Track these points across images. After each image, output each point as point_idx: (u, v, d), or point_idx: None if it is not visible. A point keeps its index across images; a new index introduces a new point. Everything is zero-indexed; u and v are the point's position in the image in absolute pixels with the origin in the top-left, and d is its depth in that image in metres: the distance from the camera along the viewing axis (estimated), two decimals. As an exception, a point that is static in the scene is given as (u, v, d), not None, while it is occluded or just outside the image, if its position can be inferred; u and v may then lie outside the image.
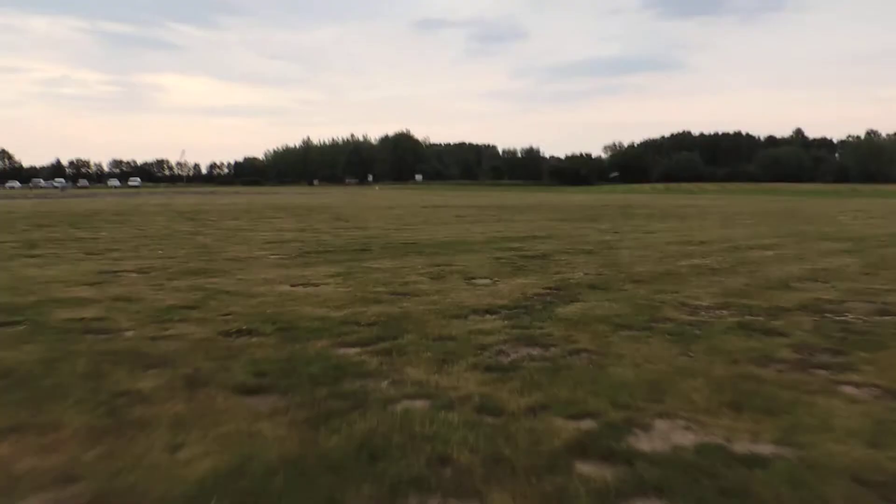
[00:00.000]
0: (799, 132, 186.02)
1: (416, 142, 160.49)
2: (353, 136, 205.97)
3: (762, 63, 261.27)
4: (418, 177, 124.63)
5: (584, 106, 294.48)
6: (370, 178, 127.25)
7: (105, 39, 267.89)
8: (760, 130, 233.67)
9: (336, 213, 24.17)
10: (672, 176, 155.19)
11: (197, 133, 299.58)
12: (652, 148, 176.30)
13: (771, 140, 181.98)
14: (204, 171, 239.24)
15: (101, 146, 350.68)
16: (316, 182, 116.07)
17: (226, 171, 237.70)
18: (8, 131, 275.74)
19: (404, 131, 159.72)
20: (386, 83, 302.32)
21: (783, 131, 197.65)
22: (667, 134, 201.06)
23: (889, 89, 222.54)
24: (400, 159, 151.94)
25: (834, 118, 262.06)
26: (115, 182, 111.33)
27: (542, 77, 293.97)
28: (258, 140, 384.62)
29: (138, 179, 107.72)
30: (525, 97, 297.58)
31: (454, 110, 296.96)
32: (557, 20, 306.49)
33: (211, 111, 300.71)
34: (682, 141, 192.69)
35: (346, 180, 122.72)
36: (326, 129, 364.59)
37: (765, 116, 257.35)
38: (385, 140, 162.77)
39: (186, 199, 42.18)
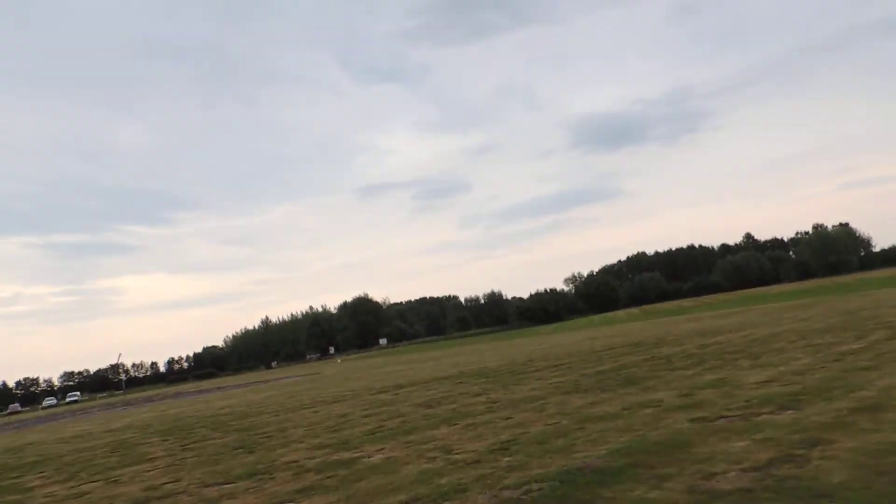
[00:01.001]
0: (749, 237, 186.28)
1: (376, 304, 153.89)
2: (311, 308, 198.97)
3: (692, 179, 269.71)
4: (382, 341, 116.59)
5: (537, 244, 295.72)
6: (332, 350, 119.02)
7: (57, 252, 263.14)
8: (712, 240, 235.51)
9: (242, 435, 16.14)
10: (639, 298, 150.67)
11: (156, 330, 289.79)
12: (611, 273, 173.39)
13: (725, 248, 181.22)
14: (162, 368, 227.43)
15: (58, 359, 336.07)
16: (274, 364, 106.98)
17: (185, 364, 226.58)
18: None
19: (363, 295, 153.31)
20: (340, 252, 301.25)
21: (734, 238, 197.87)
22: (623, 257, 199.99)
23: (806, 188, 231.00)
24: (361, 325, 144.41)
25: (773, 219, 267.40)
26: (51, 401, 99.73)
27: (491, 223, 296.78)
28: (219, 328, 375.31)
29: (77, 394, 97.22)
30: (478, 245, 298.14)
31: (410, 267, 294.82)
32: (495, 168, 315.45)
33: (169, 306, 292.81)
34: (640, 262, 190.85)
35: (308, 356, 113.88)
36: (286, 307, 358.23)
37: (712, 226, 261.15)
38: (344, 307, 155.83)
39: (75, 426, 33.50)
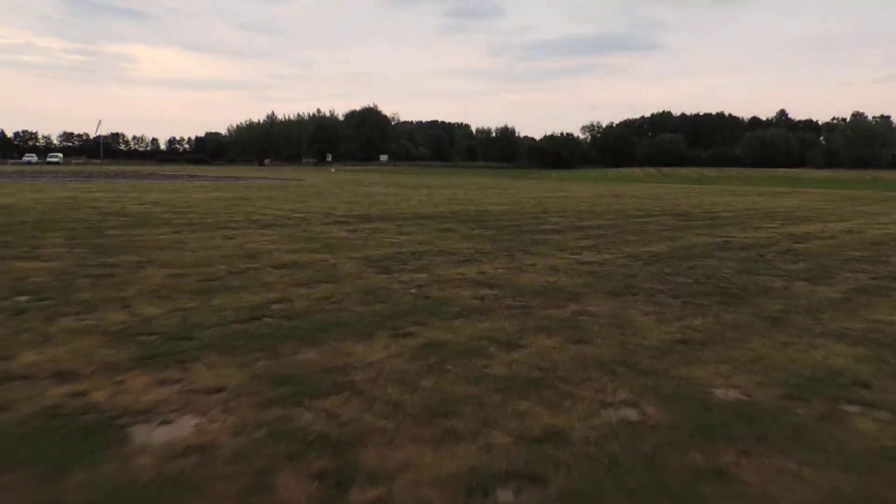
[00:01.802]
0: (783, 114, 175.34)
1: (384, 118, 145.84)
2: (319, 111, 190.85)
3: (737, 45, 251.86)
4: (383, 157, 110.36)
5: (560, 85, 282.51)
6: (329, 157, 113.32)
7: (72, 6, 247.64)
8: (742, 111, 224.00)
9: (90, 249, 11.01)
10: (655, 159, 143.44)
11: (162, 106, 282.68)
12: (631, 129, 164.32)
13: (755, 122, 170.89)
14: (163, 146, 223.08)
15: (63, 117, 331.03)
16: (267, 161, 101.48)
17: (186, 146, 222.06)
18: None
19: (372, 106, 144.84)
20: (359, 58, 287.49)
21: (766, 112, 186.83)
22: (647, 114, 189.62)
23: (851, 73, 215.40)
24: (366, 137, 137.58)
25: (810, 100, 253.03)
26: (31, 157, 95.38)
27: (518, 55, 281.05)
28: (226, 114, 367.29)
29: (59, 156, 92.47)
30: (500, 76, 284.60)
31: (428, 87, 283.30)
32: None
33: (178, 83, 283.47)
34: (662, 122, 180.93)
35: (304, 160, 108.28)
36: (296, 105, 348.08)
37: (745, 97, 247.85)
38: (351, 116, 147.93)
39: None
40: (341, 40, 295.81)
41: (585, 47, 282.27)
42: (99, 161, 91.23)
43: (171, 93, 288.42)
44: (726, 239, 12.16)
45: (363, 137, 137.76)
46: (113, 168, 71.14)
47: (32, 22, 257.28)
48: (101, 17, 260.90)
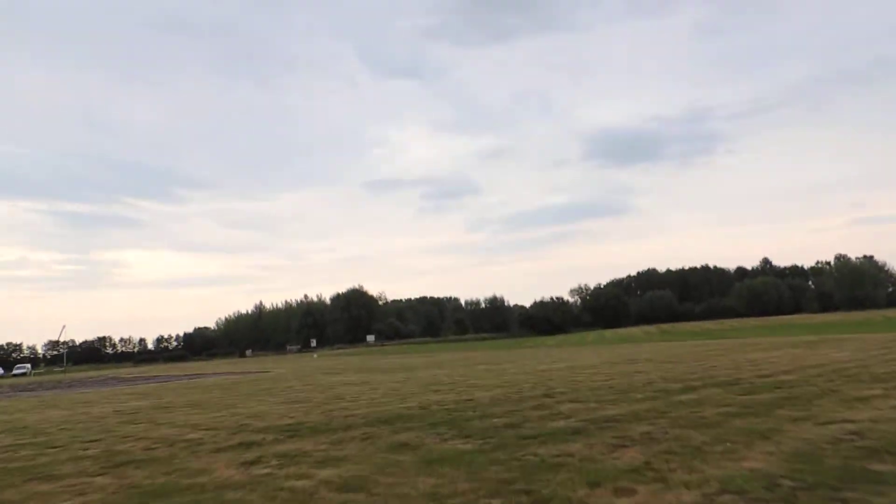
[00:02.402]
0: (767, 262, 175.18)
1: (371, 298, 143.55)
2: (306, 296, 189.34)
3: (708, 202, 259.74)
4: (370, 338, 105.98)
5: (543, 253, 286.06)
6: (313, 342, 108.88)
7: (63, 220, 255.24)
8: (727, 262, 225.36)
9: None
10: (648, 316, 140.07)
11: (153, 306, 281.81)
12: (620, 288, 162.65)
13: (742, 271, 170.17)
14: (151, 345, 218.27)
15: (57, 327, 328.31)
16: (248, 353, 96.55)
17: (174, 343, 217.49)
18: None
19: (357, 287, 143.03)
20: (345, 244, 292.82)
21: (750, 262, 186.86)
22: (633, 273, 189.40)
23: (821, 219, 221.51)
24: (353, 318, 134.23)
25: (790, 247, 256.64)
26: (25, 367, 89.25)
27: (498, 228, 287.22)
28: (217, 309, 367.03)
29: (27, 366, 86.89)
30: (483, 249, 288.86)
31: (413, 266, 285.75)
32: (506, 174, 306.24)
33: (170, 283, 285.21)
34: (650, 279, 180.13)
35: (288, 347, 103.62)
36: (288, 294, 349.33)
37: (727, 249, 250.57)
38: (336, 299, 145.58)
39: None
40: (326, 230, 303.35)
41: (562, 215, 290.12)
42: (61, 369, 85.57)
43: (162, 293, 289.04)
44: (849, 429, 7.47)
45: (350, 319, 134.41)
46: (77, 375, 65.86)
47: (27, 238, 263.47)
48: (95, 228, 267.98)
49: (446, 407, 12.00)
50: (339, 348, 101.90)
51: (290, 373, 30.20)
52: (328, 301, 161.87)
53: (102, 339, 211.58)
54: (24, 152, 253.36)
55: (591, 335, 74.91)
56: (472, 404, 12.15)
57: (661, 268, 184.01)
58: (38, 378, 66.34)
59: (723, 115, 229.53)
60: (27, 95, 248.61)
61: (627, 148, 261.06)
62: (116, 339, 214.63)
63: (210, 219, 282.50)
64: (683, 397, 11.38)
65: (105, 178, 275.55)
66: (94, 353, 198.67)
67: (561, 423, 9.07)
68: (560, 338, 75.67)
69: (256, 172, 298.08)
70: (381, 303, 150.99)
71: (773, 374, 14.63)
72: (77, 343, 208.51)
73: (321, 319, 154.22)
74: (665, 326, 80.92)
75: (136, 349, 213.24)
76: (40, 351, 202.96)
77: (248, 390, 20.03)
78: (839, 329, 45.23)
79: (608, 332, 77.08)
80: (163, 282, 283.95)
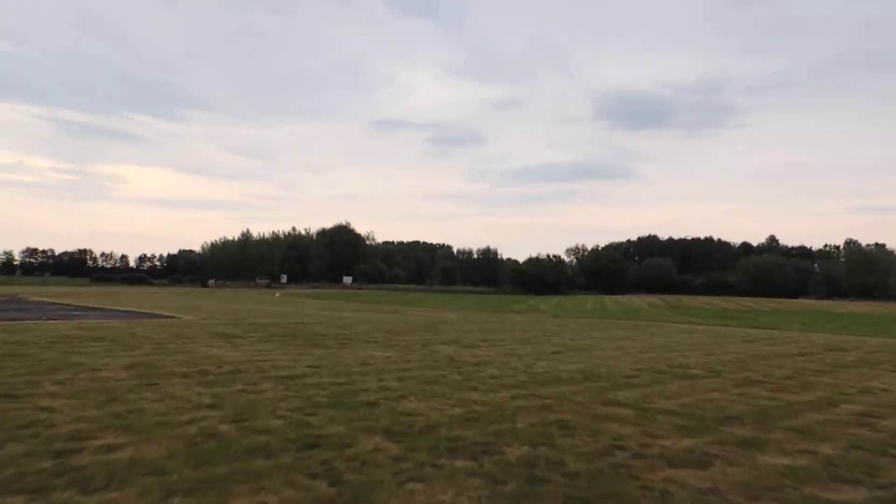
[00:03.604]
0: (773, 240, 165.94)
1: (357, 237, 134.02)
2: (294, 229, 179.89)
3: (713, 174, 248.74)
4: (347, 279, 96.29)
5: (542, 210, 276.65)
6: (283, 278, 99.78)
7: (63, 128, 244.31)
8: (732, 237, 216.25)
9: None
10: (646, 284, 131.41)
11: (146, 223, 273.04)
12: (619, 252, 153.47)
13: (746, 247, 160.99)
14: (133, 263, 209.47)
15: (46, 235, 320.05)
16: (211, 283, 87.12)
17: (157, 263, 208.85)
18: None
19: (344, 224, 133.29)
20: (344, 181, 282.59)
21: (756, 238, 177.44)
22: (633, 238, 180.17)
23: (824, 204, 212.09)
24: (336, 256, 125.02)
25: (798, 227, 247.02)
26: None
27: (500, 181, 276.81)
28: (209, 233, 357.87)
29: None
30: (482, 200, 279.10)
31: (409, 210, 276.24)
32: (513, 126, 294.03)
33: (165, 202, 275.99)
34: (650, 245, 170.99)
35: (257, 280, 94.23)
36: (280, 226, 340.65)
37: (732, 223, 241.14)
38: (322, 234, 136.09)
39: None
40: (326, 165, 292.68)
41: (565, 174, 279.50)
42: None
43: (154, 211, 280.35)
44: None
45: (333, 257, 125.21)
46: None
47: (25, 142, 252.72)
48: (94, 139, 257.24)
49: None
50: (312, 287, 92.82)
51: (199, 321, 21.12)
52: (315, 236, 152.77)
53: (83, 252, 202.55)
54: (26, 53, 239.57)
55: (591, 301, 65.70)
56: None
57: (663, 235, 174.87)
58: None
59: (738, 88, 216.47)
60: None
61: (638, 112, 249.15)
62: (98, 252, 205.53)
63: (210, 141, 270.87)
64: None
65: (108, 89, 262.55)
66: (75, 266, 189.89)
67: None
68: (554, 301, 66.56)
69: (261, 99, 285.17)
70: (368, 243, 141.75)
71: None
72: (57, 253, 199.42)
73: (305, 254, 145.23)
74: (670, 299, 71.70)
75: (117, 265, 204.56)
76: (17, 258, 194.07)
77: (50, 358, 10.81)
78: (872, 319, 36.14)
79: (608, 300, 67.89)
80: (155, 200, 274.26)
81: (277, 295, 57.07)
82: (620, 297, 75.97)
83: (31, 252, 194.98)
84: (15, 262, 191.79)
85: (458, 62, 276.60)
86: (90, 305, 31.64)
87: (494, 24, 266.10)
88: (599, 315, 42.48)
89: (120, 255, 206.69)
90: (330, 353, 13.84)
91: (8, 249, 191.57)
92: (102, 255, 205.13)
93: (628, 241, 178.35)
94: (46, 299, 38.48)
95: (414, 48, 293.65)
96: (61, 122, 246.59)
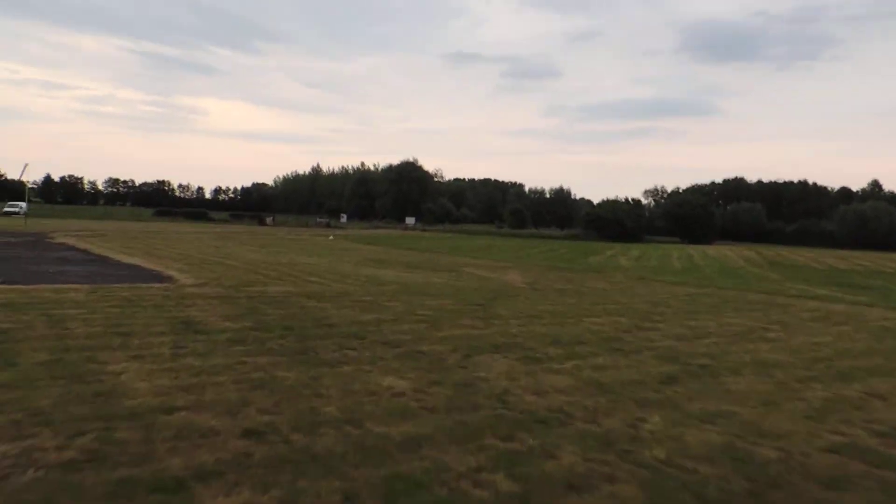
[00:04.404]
0: (876, 185, 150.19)
1: (425, 174, 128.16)
2: (363, 164, 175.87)
3: (807, 112, 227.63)
4: (409, 220, 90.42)
5: (619, 148, 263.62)
6: (343, 217, 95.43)
7: (149, 60, 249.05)
8: (829, 181, 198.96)
9: None
10: (732, 231, 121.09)
11: (222, 157, 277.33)
12: (703, 196, 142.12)
13: (845, 192, 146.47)
14: (208, 195, 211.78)
15: (131, 166, 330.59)
16: (269, 220, 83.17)
17: (231, 195, 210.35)
18: (52, 146, 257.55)
19: (411, 160, 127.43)
20: (416, 115, 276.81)
21: (856, 183, 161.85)
22: (717, 180, 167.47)
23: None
24: (402, 193, 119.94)
25: (890, 172, 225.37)
26: (18, 206, 79.33)
27: (575, 116, 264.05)
28: (279, 167, 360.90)
29: (22, 205, 76.03)
30: (556, 136, 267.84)
31: (482, 146, 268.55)
32: (591, 59, 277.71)
33: (240, 135, 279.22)
34: (737, 189, 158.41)
35: (318, 218, 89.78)
36: (348, 160, 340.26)
37: (829, 166, 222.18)
38: (388, 170, 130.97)
39: None
40: (399, 98, 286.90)
41: (645, 110, 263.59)
42: (18, 210, 73.76)
43: (232, 144, 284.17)
44: None
45: (399, 194, 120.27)
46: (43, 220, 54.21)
47: (114, 75, 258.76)
48: (176, 71, 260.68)
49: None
50: (374, 226, 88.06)
51: (193, 288, 16.26)
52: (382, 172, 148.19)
53: (162, 183, 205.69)
54: None
55: (676, 253, 58.25)
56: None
57: (751, 178, 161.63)
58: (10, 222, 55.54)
59: (836, 17, 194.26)
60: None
61: (724, 43, 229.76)
62: (175, 184, 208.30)
63: (286, 74, 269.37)
64: None
65: (189, 22, 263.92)
66: (155, 197, 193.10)
67: None
68: (635, 251, 59.48)
69: (335, 31, 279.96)
70: (436, 180, 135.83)
71: None
72: (137, 184, 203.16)
73: (373, 190, 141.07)
74: (767, 252, 63.25)
75: (193, 196, 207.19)
76: (101, 186, 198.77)
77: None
78: None
79: (695, 252, 60.18)
80: (232, 133, 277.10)
81: (331, 238, 52.46)
82: (709, 250, 67.90)
83: (114, 182, 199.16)
84: (98, 192, 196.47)
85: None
86: (102, 254, 27.41)
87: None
88: (693, 275, 35.68)
89: (196, 187, 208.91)
90: (314, 380, 8.38)
91: (92, 179, 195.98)
92: (180, 186, 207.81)
93: (712, 183, 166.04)
94: (70, 241, 34.83)
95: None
96: (146, 55, 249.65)
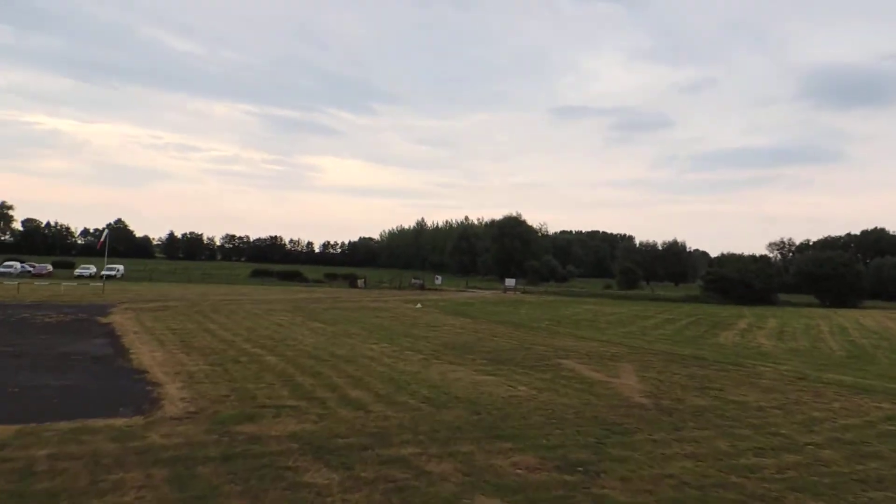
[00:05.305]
0: None
1: (528, 228, 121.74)
2: (466, 218, 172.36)
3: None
4: (509, 282, 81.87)
5: (735, 198, 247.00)
6: (438, 279, 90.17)
7: (271, 123, 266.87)
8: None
9: None
10: (876, 290, 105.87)
11: (334, 212, 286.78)
12: (839, 249, 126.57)
13: None
14: (317, 249, 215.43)
15: (254, 219, 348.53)
16: (360, 283, 78.26)
17: (339, 250, 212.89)
18: (178, 204, 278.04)
19: (514, 215, 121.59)
20: (523, 169, 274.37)
21: None
22: (854, 231, 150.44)
23: None
24: (505, 251, 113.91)
25: None
26: (86, 270, 75.65)
27: (687, 167, 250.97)
28: (390, 221, 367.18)
29: (119, 268, 74.17)
30: (668, 187, 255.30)
31: (590, 198, 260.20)
32: (704, 110, 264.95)
33: (351, 191, 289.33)
34: (877, 240, 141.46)
35: (413, 280, 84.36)
36: (457, 214, 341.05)
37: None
38: (490, 226, 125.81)
39: None
40: (507, 153, 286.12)
41: (762, 159, 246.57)
42: (112, 272, 68.61)
43: (344, 200, 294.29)
44: None
45: (501, 251, 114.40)
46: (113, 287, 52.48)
47: (240, 137, 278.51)
48: (297, 133, 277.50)
49: None
50: (473, 287, 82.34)
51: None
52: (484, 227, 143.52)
53: (274, 238, 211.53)
54: (243, 59, 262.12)
55: (822, 322, 48.50)
56: None
57: (893, 229, 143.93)
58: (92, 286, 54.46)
59: None
60: (245, 4, 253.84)
61: (850, 89, 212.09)
62: (287, 239, 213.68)
63: (398, 133, 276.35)
64: None
65: (309, 87, 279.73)
66: (268, 251, 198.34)
67: None
68: (772, 320, 50.29)
69: (445, 90, 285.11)
70: (540, 234, 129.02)
71: None
72: (251, 240, 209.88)
73: (476, 245, 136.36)
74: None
75: (303, 251, 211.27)
76: (218, 242, 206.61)
77: None
78: None
79: (845, 320, 50.13)
80: (345, 189, 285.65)
81: (419, 306, 47.28)
82: (861, 317, 57.00)
83: (230, 238, 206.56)
84: (216, 246, 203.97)
85: (643, 45, 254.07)
86: (125, 347, 23.26)
87: (681, 4, 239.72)
88: (865, 365, 27.26)
89: (306, 241, 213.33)
90: None
91: (211, 235, 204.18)
92: (291, 241, 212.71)
93: (848, 234, 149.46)
94: (120, 318, 31.45)
95: (597, 33, 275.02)
96: (270, 118, 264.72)
